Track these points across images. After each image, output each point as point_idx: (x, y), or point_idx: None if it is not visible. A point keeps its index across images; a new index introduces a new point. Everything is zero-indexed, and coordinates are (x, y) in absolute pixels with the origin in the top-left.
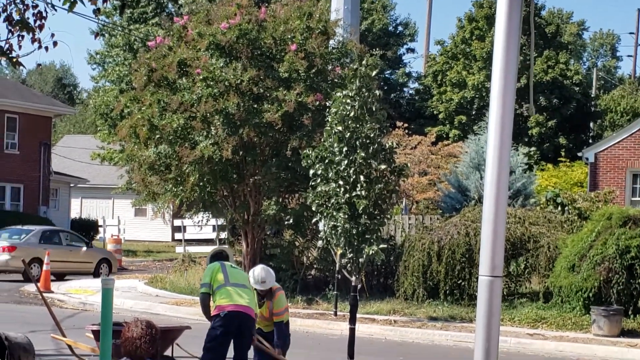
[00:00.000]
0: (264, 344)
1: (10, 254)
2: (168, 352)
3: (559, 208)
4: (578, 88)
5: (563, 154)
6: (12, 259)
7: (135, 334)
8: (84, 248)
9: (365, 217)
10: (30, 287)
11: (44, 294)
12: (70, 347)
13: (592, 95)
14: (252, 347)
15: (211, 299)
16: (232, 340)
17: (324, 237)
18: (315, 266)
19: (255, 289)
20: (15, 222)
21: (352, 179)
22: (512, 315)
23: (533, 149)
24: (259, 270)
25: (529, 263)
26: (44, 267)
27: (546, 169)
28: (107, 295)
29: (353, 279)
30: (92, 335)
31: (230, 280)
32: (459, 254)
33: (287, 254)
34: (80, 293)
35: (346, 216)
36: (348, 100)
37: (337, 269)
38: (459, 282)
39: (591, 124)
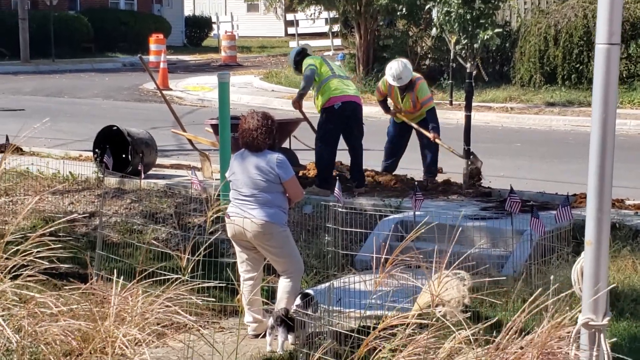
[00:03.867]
0: (420, 131)
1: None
2: (285, 145)
3: None
4: None
5: None
6: None
7: (252, 125)
8: None
9: (479, 1)
10: (149, 85)
11: (163, 91)
12: (190, 141)
13: None
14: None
15: (318, 91)
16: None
17: (437, 24)
18: (429, 56)
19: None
20: (131, 22)
21: None
22: (631, 98)
23: None
24: (395, 66)
25: None
26: (161, 65)
27: None
28: (223, 88)
29: (468, 65)
30: (211, 130)
31: (335, 72)
32: (577, 37)
33: (400, 45)
34: (197, 90)
35: (460, 1)
36: None
37: (451, 57)
38: (577, 66)
39: None
